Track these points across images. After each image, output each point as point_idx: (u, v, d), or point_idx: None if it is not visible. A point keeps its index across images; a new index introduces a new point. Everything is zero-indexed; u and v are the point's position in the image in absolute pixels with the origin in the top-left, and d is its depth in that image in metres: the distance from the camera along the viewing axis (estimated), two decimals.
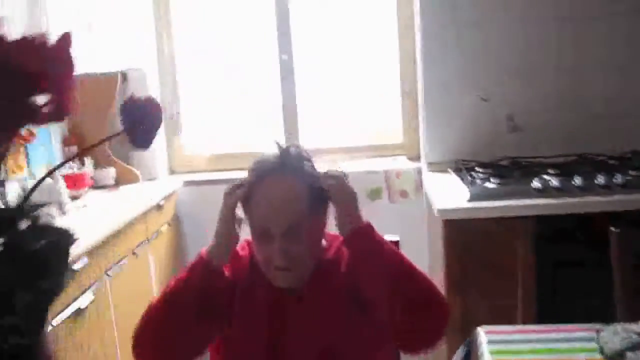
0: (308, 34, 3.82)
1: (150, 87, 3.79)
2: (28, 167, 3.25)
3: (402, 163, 3.74)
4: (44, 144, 3.44)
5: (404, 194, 3.68)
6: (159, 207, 3.46)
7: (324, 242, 1.65)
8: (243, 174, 1.60)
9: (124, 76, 3.73)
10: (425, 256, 3.49)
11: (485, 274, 2.63)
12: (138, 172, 3.75)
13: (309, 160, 1.59)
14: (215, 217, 1.54)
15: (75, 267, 2.50)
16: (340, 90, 3.87)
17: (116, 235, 2.92)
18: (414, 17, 3.49)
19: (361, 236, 1.50)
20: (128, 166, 3.76)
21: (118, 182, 3.70)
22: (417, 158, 3.70)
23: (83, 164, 3.62)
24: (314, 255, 1.57)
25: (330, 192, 1.49)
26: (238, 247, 1.64)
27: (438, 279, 2.84)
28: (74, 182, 3.36)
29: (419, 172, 3.58)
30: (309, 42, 3.83)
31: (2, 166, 3.03)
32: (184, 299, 1.49)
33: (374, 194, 3.69)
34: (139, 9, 3.71)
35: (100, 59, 3.25)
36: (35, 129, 3.22)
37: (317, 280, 1.58)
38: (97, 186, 3.61)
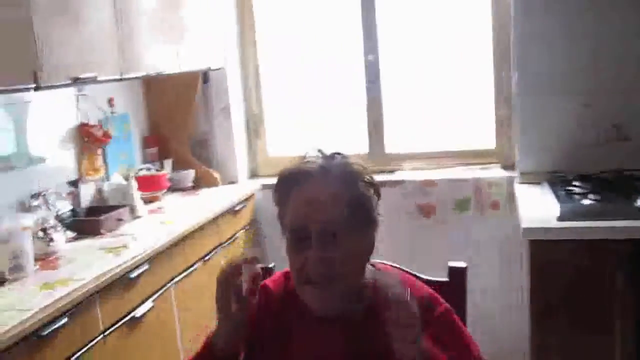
0: (395, 33, 3.59)
1: (231, 87, 3.70)
2: (105, 169, 3.24)
3: (494, 172, 3.44)
4: (124, 146, 3.42)
5: (495, 205, 3.38)
6: (234, 211, 3.35)
7: (372, 277, 1.44)
8: None
9: (205, 76, 3.67)
10: (516, 278, 3.19)
11: (575, 305, 2.32)
12: (217, 175, 3.67)
13: (356, 170, 1.40)
14: None
15: (132, 275, 2.43)
16: (429, 93, 3.62)
17: (184, 241, 2.84)
18: (510, 15, 3.18)
19: None
20: (208, 169, 3.69)
21: (197, 185, 3.64)
22: (511, 167, 3.39)
23: (162, 166, 3.59)
24: (352, 275, 1.37)
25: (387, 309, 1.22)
26: (270, 281, 1.49)
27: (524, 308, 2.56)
28: (150, 184, 3.32)
29: (512, 182, 3.27)
30: (396, 42, 3.60)
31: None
32: None
33: (462, 205, 3.42)
34: (222, 7, 3.62)
35: (183, 58, 3.17)
36: (111, 130, 3.22)
37: (365, 318, 1.38)
38: (175, 188, 3.57)
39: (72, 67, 2.38)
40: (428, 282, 1.58)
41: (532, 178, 3.04)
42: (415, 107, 3.66)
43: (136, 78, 3.05)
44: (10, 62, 2.13)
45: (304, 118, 3.87)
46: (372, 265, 1.47)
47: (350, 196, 1.35)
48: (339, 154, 1.42)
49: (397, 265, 1.65)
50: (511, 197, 3.23)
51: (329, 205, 1.33)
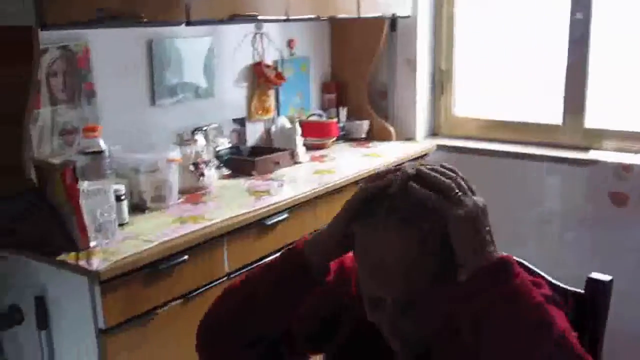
0: None
1: (420, 39, 3.46)
2: (276, 110, 3.23)
3: None
4: (300, 89, 3.39)
5: None
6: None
7: None
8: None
9: (393, 23, 3.47)
10: None
11: None
12: (392, 129, 3.50)
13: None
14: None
15: (268, 222, 2.39)
16: None
17: (336, 193, 2.72)
18: None
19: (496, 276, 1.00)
20: (383, 122, 3.53)
21: (370, 137, 3.50)
22: None
23: (338, 113, 3.51)
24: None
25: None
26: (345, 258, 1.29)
27: None
28: (318, 130, 3.26)
29: None
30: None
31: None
32: (263, 287, 1.21)
33: None
34: None
35: (366, 1, 2.99)
36: (287, 72, 3.18)
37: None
38: (347, 138, 3.47)
39: (228, 3, 2.33)
40: (560, 291, 1.28)
41: None
42: (626, 78, 3.14)
43: (306, 20, 2.91)
44: None
45: (495, 79, 3.52)
46: None
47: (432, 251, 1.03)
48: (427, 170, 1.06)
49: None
50: None
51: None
